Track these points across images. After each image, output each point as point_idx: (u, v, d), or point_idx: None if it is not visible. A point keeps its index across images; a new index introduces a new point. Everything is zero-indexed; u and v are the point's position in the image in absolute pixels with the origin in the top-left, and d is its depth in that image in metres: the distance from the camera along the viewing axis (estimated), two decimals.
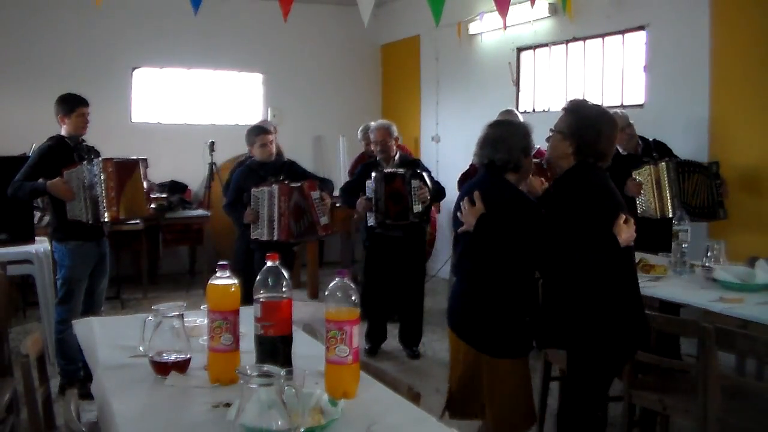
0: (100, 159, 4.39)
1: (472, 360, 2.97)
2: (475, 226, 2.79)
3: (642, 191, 4.61)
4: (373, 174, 5.04)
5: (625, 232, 2.66)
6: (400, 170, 5.07)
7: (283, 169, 5.20)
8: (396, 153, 5.29)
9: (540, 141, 5.79)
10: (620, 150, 4.89)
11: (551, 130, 2.88)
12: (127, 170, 4.46)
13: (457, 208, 2.94)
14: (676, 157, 4.79)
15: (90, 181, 4.29)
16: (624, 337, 2.77)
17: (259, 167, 5.17)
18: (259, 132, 5.24)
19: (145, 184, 4.59)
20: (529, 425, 3.02)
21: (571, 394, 2.89)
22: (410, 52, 8.77)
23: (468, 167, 5.58)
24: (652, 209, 4.59)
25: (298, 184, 5.00)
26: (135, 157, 4.59)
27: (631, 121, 4.89)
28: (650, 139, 4.94)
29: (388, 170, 5.08)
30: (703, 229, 4.95)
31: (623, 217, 2.69)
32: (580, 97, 2.98)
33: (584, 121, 2.77)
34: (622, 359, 2.89)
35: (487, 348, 2.92)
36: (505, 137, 2.97)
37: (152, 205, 4.66)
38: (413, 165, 5.23)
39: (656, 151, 4.84)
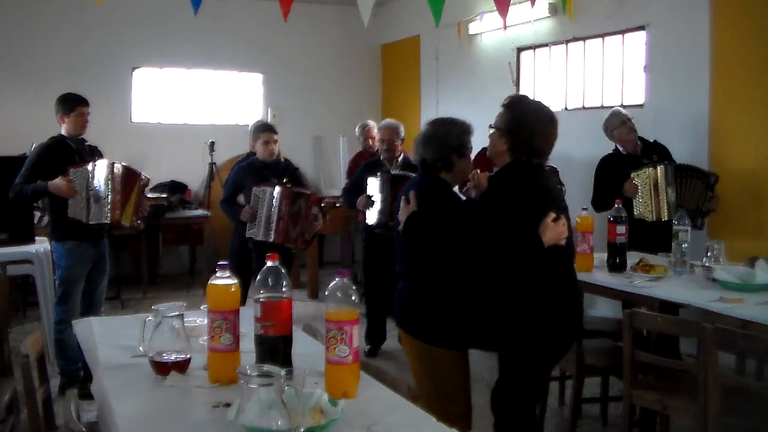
0: (110, 162, 4.41)
1: (423, 355, 2.91)
2: (404, 224, 2.79)
3: (639, 193, 4.61)
4: (379, 174, 4.99)
5: (552, 231, 2.63)
6: (411, 174, 5.03)
7: (286, 173, 5.20)
8: (400, 154, 5.28)
9: None
10: (620, 149, 4.90)
11: (490, 126, 2.92)
12: (132, 177, 4.50)
13: (398, 208, 2.94)
14: (674, 162, 4.78)
15: (96, 182, 4.30)
16: (552, 337, 2.75)
17: (260, 166, 5.17)
18: (264, 129, 5.27)
19: (139, 198, 4.59)
20: (466, 429, 2.90)
21: (505, 397, 2.85)
22: (410, 52, 8.76)
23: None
24: (648, 212, 4.59)
25: (307, 192, 5.03)
26: (140, 172, 4.64)
27: (631, 117, 4.89)
28: (651, 141, 4.94)
29: (396, 172, 5.03)
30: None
31: (552, 215, 2.66)
32: (522, 94, 2.95)
33: (518, 118, 2.76)
34: (550, 358, 2.85)
35: (427, 336, 2.86)
36: (437, 135, 2.97)
37: (139, 221, 4.63)
38: (416, 169, 5.21)
39: (656, 152, 4.83)
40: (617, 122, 4.86)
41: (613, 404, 4.08)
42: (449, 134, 2.99)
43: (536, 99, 2.93)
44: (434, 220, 2.77)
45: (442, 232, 2.73)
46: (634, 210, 4.58)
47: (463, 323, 2.86)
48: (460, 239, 2.71)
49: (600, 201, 4.76)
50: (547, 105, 2.90)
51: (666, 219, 4.49)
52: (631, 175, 4.63)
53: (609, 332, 4.14)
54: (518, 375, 2.81)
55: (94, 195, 4.31)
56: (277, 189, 4.88)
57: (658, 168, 4.59)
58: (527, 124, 2.75)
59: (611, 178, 4.74)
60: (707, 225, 4.97)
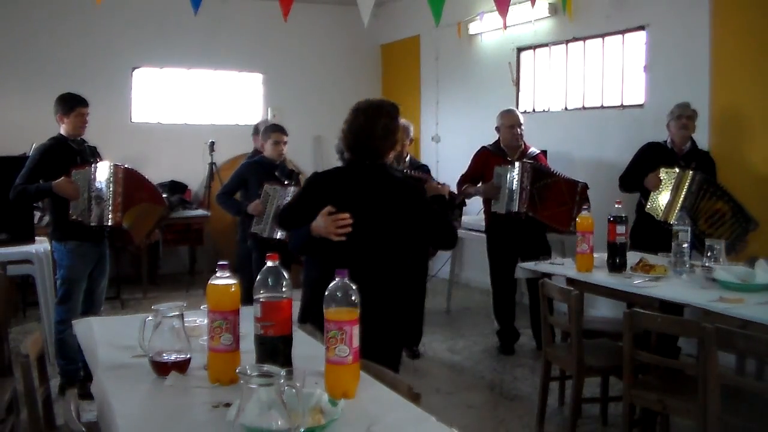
0: (111, 164, 4.42)
1: None
2: None
3: (659, 189, 4.60)
4: None
5: (317, 223, 2.89)
6: (424, 176, 5.00)
7: (293, 176, 5.21)
8: (407, 155, 5.27)
9: (537, 142, 5.79)
10: (668, 142, 4.85)
11: None
12: (147, 195, 4.53)
13: None
14: (712, 176, 4.67)
15: (98, 184, 4.30)
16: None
17: (269, 165, 5.18)
18: (275, 129, 5.33)
19: (157, 223, 4.65)
20: None
21: None
22: (410, 52, 8.77)
23: (467, 170, 5.57)
24: (659, 209, 4.59)
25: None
26: (165, 203, 4.74)
27: (685, 114, 4.76)
28: (702, 150, 4.86)
29: (410, 173, 5.01)
30: None
31: (327, 209, 2.88)
32: (370, 98, 3.24)
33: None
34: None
35: None
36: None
37: (147, 241, 4.71)
38: (423, 169, 5.20)
39: (700, 162, 4.70)
40: (675, 114, 4.81)
41: (613, 404, 4.08)
42: None
43: (370, 99, 3.14)
44: None
45: None
46: (648, 203, 4.59)
47: None
48: None
49: (627, 181, 4.83)
50: (372, 103, 3.11)
51: (671, 222, 4.47)
52: (660, 169, 4.62)
53: (609, 332, 4.15)
54: None
55: (96, 196, 4.32)
56: (292, 189, 4.88)
57: (689, 172, 4.55)
58: (344, 130, 3.02)
59: (647, 165, 4.74)
60: None
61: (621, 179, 4.90)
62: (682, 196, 4.54)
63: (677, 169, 4.60)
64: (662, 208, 4.59)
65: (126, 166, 4.51)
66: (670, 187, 4.58)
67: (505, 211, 5.13)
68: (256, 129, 5.91)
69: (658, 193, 4.61)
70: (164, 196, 7.50)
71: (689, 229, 3.79)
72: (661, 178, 4.61)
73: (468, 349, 5.58)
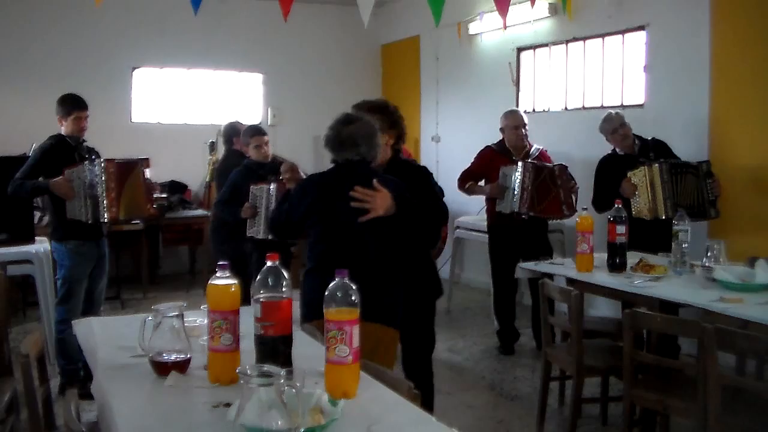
0: (102, 160, 4.41)
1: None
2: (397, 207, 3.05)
3: (636, 192, 4.60)
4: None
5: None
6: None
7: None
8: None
9: (537, 142, 5.79)
10: (617, 150, 4.91)
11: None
12: (127, 171, 4.47)
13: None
14: (675, 157, 4.79)
15: (91, 181, 4.30)
16: None
17: (257, 167, 5.17)
18: (253, 133, 5.25)
19: (145, 184, 4.60)
20: None
21: None
22: (410, 52, 8.76)
23: (470, 166, 5.57)
24: (645, 210, 4.58)
25: None
26: (136, 158, 4.60)
27: (627, 121, 4.90)
28: (649, 139, 4.94)
29: None
30: (703, 229, 4.95)
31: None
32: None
33: None
34: None
35: None
36: (370, 134, 3.29)
37: (154, 206, 4.67)
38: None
39: (654, 150, 4.83)
40: (609, 129, 4.91)
41: (613, 404, 4.08)
42: (375, 131, 3.36)
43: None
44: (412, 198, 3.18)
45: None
46: (632, 209, 4.58)
47: None
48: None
49: (600, 202, 4.77)
50: None
51: (663, 217, 4.48)
52: (628, 175, 4.63)
53: (609, 332, 4.15)
54: None
55: (90, 194, 4.32)
56: (273, 186, 4.88)
57: (654, 166, 4.58)
58: None
59: (610, 179, 4.75)
60: (707, 225, 4.97)
61: (594, 203, 4.82)
62: (660, 189, 4.55)
63: (641, 168, 4.61)
64: (648, 208, 4.58)
65: (117, 160, 4.47)
66: (646, 187, 4.59)
67: (509, 211, 5.14)
68: (228, 136, 5.83)
69: (638, 197, 4.61)
70: (164, 196, 7.56)
71: (689, 229, 3.79)
72: (634, 182, 4.62)
73: (468, 349, 5.58)
